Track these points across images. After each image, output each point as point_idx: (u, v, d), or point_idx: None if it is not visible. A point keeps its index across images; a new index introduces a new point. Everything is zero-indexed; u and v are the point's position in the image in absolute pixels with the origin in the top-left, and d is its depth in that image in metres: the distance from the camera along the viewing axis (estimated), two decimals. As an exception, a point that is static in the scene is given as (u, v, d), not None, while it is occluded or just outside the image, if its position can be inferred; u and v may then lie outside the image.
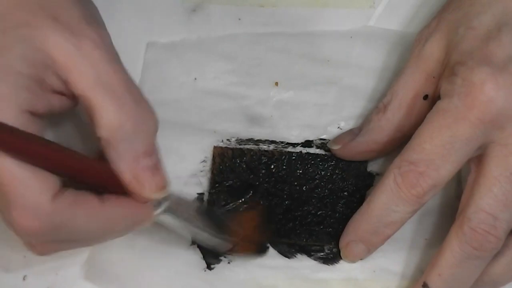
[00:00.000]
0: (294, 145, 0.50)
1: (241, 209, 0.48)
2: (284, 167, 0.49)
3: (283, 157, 0.49)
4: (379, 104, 0.47)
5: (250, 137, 0.50)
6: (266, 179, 0.49)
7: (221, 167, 0.49)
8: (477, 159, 0.43)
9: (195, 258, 0.47)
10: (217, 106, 0.51)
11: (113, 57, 0.41)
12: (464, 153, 0.42)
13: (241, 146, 0.50)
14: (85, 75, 0.39)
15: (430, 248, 0.47)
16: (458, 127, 0.41)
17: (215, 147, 0.50)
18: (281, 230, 0.48)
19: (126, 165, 0.40)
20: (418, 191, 0.42)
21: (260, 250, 0.48)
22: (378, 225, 0.44)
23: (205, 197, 0.49)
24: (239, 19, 0.53)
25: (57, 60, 0.39)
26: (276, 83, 0.51)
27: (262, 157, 0.49)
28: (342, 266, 0.47)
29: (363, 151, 0.47)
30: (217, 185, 0.49)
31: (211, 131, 0.50)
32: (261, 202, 0.48)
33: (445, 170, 0.42)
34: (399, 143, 0.47)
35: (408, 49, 0.48)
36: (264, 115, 0.51)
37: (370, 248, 0.46)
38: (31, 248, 0.42)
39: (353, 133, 0.48)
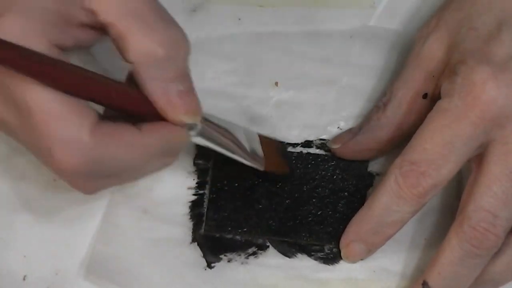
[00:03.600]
0: (294, 145, 0.50)
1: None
2: (285, 166, 0.49)
3: (284, 156, 0.49)
4: (378, 102, 0.48)
5: (250, 137, 0.50)
6: (267, 179, 0.49)
7: (222, 166, 0.49)
8: (477, 158, 0.43)
9: (195, 256, 0.47)
10: (217, 106, 0.51)
11: None
12: (465, 152, 0.42)
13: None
14: (113, 4, 0.39)
15: (430, 248, 0.47)
16: (459, 126, 0.41)
17: (215, 147, 0.50)
18: (282, 229, 0.48)
19: (159, 89, 0.40)
20: (419, 191, 0.42)
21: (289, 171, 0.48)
22: (379, 225, 0.44)
23: (206, 195, 0.49)
24: (239, 19, 0.53)
25: None
26: (276, 83, 0.51)
27: (263, 157, 0.49)
28: (342, 266, 0.47)
29: (363, 150, 0.47)
30: (218, 184, 0.49)
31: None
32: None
33: (446, 169, 0.42)
34: (398, 141, 0.47)
35: (408, 49, 0.48)
36: (264, 115, 0.51)
37: (371, 248, 0.46)
38: (76, 187, 0.41)
39: (352, 132, 0.48)
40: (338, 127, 0.50)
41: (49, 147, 0.38)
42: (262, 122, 0.50)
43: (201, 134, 0.43)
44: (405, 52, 0.50)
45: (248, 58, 0.52)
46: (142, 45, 0.39)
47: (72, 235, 0.48)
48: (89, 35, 0.41)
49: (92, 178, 0.41)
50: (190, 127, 0.42)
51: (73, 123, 0.38)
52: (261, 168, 0.47)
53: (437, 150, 0.42)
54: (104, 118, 0.40)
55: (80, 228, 0.48)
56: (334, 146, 0.48)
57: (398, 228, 0.44)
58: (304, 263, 0.48)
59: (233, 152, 0.45)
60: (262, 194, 0.49)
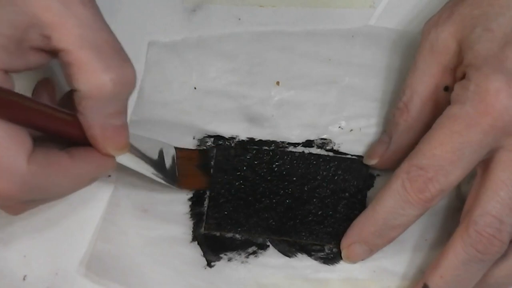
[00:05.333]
0: (295, 144, 0.50)
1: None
2: (286, 166, 0.49)
3: (285, 156, 0.49)
4: (398, 103, 0.47)
5: (251, 137, 0.50)
6: (268, 178, 0.49)
7: (223, 166, 0.49)
8: (483, 163, 0.43)
9: (195, 255, 0.47)
10: (218, 106, 0.51)
11: (100, 16, 0.41)
12: (473, 158, 0.42)
13: (243, 146, 0.50)
14: (72, 33, 0.39)
15: (430, 249, 0.47)
16: (470, 133, 0.41)
17: (216, 147, 0.50)
18: (282, 228, 0.48)
19: (98, 122, 0.41)
20: (427, 195, 0.42)
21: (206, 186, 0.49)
22: (384, 228, 0.44)
23: (207, 194, 0.49)
24: (239, 19, 0.53)
25: (44, 18, 0.39)
26: (277, 83, 0.51)
27: (264, 157, 0.49)
28: (343, 266, 0.47)
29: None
30: (218, 183, 0.49)
31: (213, 131, 0.50)
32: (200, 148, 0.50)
33: (454, 175, 0.42)
34: None
35: (409, 48, 0.48)
36: (265, 114, 0.51)
37: (373, 250, 0.46)
38: (5, 210, 0.42)
39: (384, 142, 0.48)
40: (339, 127, 0.50)
41: None
42: (263, 121, 0.50)
43: (125, 160, 0.44)
44: (406, 51, 0.50)
45: (249, 58, 0.52)
46: (94, 78, 0.39)
47: (72, 235, 0.48)
48: (39, 58, 0.41)
49: (22, 203, 0.42)
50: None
51: (10, 151, 0.38)
52: (176, 186, 0.47)
53: (446, 156, 0.42)
54: (36, 142, 0.40)
55: (80, 228, 0.48)
56: (372, 162, 0.48)
57: (402, 231, 0.44)
58: (304, 263, 0.47)
59: (150, 172, 0.46)
60: (262, 193, 0.49)
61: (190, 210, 0.48)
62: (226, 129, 0.50)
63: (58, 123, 0.41)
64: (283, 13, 0.53)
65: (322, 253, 0.48)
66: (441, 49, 0.45)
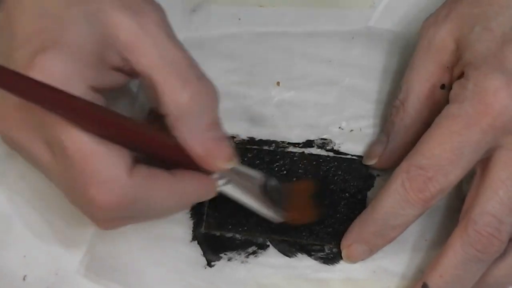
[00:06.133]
0: (295, 144, 0.50)
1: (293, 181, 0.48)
2: (286, 166, 0.49)
3: (285, 156, 0.49)
4: (395, 102, 0.47)
5: (251, 137, 0.50)
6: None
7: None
8: (482, 163, 0.43)
9: (196, 255, 0.47)
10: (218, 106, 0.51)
11: (173, 34, 0.41)
12: (472, 158, 0.42)
13: (243, 146, 0.50)
14: (149, 54, 0.40)
15: (430, 249, 0.47)
16: (469, 133, 0.41)
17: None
18: (282, 228, 0.48)
19: (196, 138, 0.41)
20: (426, 195, 0.42)
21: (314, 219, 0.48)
22: (384, 227, 0.44)
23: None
24: (239, 19, 0.53)
25: (121, 38, 0.39)
26: (278, 83, 0.51)
27: (264, 157, 0.49)
28: (343, 266, 0.47)
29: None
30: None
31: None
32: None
33: (453, 175, 0.42)
34: None
35: (409, 49, 0.48)
36: (265, 114, 0.51)
37: (373, 250, 0.46)
38: (100, 224, 0.41)
39: (382, 142, 0.48)
40: (339, 127, 0.50)
41: (85, 185, 0.38)
42: (263, 122, 0.50)
43: (230, 182, 0.44)
44: (405, 52, 0.50)
45: (249, 58, 0.52)
46: (176, 98, 0.40)
47: (72, 235, 0.48)
48: (120, 78, 0.41)
49: (120, 217, 0.41)
50: (220, 176, 0.43)
51: (111, 163, 0.38)
52: (279, 220, 0.47)
53: (446, 156, 0.42)
54: (138, 161, 0.40)
55: (79, 228, 0.48)
56: (370, 163, 0.48)
57: (402, 230, 0.44)
58: (304, 263, 0.48)
59: (254, 204, 0.46)
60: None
61: (190, 209, 0.48)
62: (226, 129, 0.50)
63: (158, 145, 0.40)
64: (283, 13, 0.53)
65: (322, 253, 0.48)
66: (438, 47, 0.46)
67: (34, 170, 0.47)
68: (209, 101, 0.41)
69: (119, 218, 0.41)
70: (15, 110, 0.40)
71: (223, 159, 0.42)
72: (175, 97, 0.40)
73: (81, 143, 0.38)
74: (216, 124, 0.42)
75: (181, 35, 0.52)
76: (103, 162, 0.38)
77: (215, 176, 0.43)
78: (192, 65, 0.41)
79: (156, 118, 0.42)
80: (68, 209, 0.48)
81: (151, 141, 0.40)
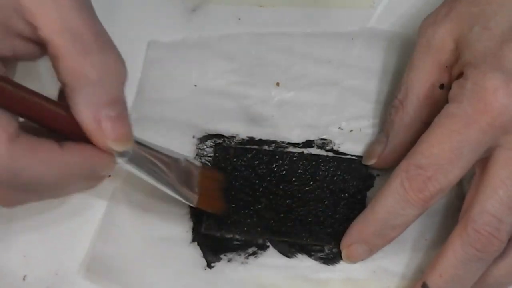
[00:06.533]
0: (295, 145, 0.50)
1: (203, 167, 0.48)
2: (286, 167, 0.49)
3: (285, 156, 0.49)
4: (394, 102, 0.47)
5: (251, 137, 0.50)
6: (267, 178, 0.49)
7: (222, 166, 0.49)
8: (482, 162, 0.43)
9: (195, 256, 0.47)
10: (218, 106, 0.51)
11: (84, 5, 0.40)
12: (472, 157, 0.42)
13: (242, 146, 0.50)
14: (52, 20, 0.38)
15: (430, 249, 0.47)
16: (468, 132, 0.41)
17: (216, 147, 0.50)
18: (282, 229, 0.48)
19: (88, 112, 0.39)
20: (426, 195, 0.42)
21: (223, 211, 0.48)
22: (384, 227, 0.44)
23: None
24: (239, 19, 0.53)
25: (25, 4, 0.38)
26: (277, 83, 0.51)
27: (264, 157, 0.49)
28: (342, 266, 0.47)
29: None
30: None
31: (212, 131, 0.50)
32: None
33: (452, 174, 0.42)
34: None
35: (409, 50, 0.48)
36: (265, 115, 0.51)
37: (373, 250, 0.46)
38: None
39: (381, 142, 0.48)
40: (339, 127, 0.50)
41: None
42: (263, 122, 0.50)
43: (131, 162, 0.42)
44: (405, 53, 0.50)
45: (249, 58, 0.52)
46: (74, 66, 0.38)
47: (72, 235, 0.48)
48: (30, 48, 0.40)
49: (8, 190, 0.40)
50: (121, 154, 0.41)
51: None
52: (192, 204, 0.46)
53: (445, 155, 0.42)
54: (26, 130, 0.39)
55: (80, 228, 0.48)
56: (370, 162, 0.49)
57: (402, 230, 0.44)
58: (304, 263, 0.47)
59: (162, 184, 0.44)
60: (262, 194, 0.49)
61: (190, 211, 0.48)
62: (226, 129, 0.50)
63: (50, 116, 0.39)
64: (283, 13, 0.53)
65: (322, 254, 0.48)
66: (437, 46, 0.46)
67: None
68: (111, 75, 0.39)
69: (8, 190, 0.40)
70: None
71: (114, 140, 0.40)
72: (73, 64, 0.38)
73: None
74: (117, 102, 0.40)
75: (181, 35, 0.53)
76: None
77: (113, 152, 0.41)
78: (99, 37, 0.39)
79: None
80: (68, 209, 0.48)
81: (39, 109, 0.39)
